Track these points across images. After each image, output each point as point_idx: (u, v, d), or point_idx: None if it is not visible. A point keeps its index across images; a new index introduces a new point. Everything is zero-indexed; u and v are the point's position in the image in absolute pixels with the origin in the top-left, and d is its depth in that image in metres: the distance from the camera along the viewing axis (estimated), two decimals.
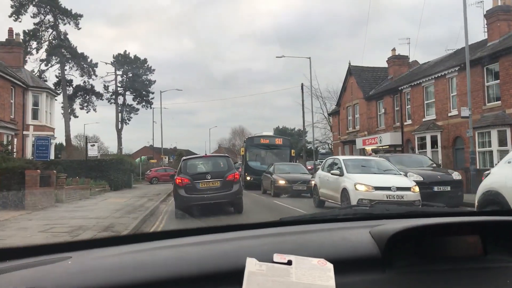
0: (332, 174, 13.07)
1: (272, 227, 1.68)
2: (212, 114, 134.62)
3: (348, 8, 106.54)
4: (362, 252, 1.32)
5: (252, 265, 1.11)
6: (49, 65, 50.92)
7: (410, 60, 35.01)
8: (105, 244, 1.49)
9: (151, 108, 53.68)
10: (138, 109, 53.21)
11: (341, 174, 12.53)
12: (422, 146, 26.57)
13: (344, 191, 11.85)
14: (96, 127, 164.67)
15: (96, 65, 52.08)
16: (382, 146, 30.75)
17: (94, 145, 30.93)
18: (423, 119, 26.92)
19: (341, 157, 14.41)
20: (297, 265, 1.14)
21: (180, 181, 13.01)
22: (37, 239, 8.57)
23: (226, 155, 16.36)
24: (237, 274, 1.11)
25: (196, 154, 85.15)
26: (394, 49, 34.65)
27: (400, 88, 29.17)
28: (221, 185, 12.95)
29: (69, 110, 51.54)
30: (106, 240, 1.57)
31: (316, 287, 1.10)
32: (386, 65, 36.33)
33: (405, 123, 28.96)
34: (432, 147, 25.50)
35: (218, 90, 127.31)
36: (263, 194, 21.26)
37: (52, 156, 32.13)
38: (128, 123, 53.04)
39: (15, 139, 26.43)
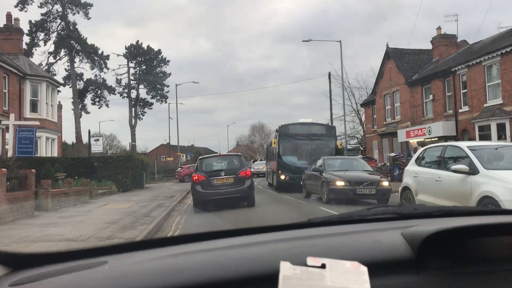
0: (454, 171, 8.20)
1: (301, 228, 1.66)
2: (229, 113, 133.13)
3: (363, 5, 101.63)
4: (395, 254, 1.31)
5: (286, 269, 1.10)
6: (58, 57, 47.65)
7: (458, 40, 30.53)
8: (139, 248, 1.47)
9: (166, 102, 50.02)
10: (152, 104, 49.59)
11: (473, 172, 7.85)
12: (485, 137, 22.24)
13: (487, 201, 7.20)
14: (113, 126, 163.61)
15: (107, 57, 48.65)
16: (431, 138, 26.44)
17: (98, 139, 27.23)
18: (485, 105, 22.58)
19: (463, 144, 9.18)
20: (331, 269, 1.12)
21: (197, 178, 14.11)
22: None
23: (239, 154, 17.39)
24: (272, 278, 1.10)
25: (214, 151, 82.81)
26: (439, 28, 30.27)
27: (453, 70, 24.83)
28: (234, 181, 14.03)
29: (79, 106, 48.27)
30: (140, 243, 1.55)
31: None
32: (428, 47, 32.08)
33: (460, 111, 24.63)
34: (499, 137, 21.14)
35: (235, 88, 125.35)
36: (305, 199, 16.62)
37: (55, 154, 28.70)
38: (141, 119, 49.51)
39: (7, 133, 22.85)
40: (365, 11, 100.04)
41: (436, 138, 26.56)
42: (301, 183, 18.18)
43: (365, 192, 13.55)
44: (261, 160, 73.96)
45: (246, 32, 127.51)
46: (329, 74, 42.95)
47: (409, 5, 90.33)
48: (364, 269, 1.12)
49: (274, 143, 21.83)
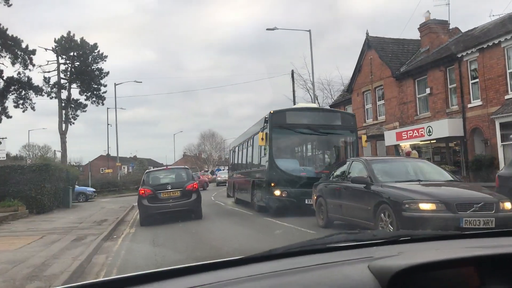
0: None
1: (265, 261, 1.60)
2: (175, 124, 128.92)
3: (307, 19, 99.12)
4: None
5: None
6: None
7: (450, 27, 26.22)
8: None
9: (103, 104, 42.80)
10: (86, 105, 42.21)
11: None
12: (507, 136, 17.74)
13: None
14: (49, 136, 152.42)
15: (33, 52, 41.07)
16: (430, 140, 21.75)
17: (0, 142, 20.44)
18: (506, 96, 18.05)
19: None
20: None
21: (143, 192, 13.95)
22: None
23: (186, 167, 17.07)
24: None
25: (159, 163, 76.13)
26: (428, 12, 25.82)
27: (459, 56, 20.23)
28: (181, 195, 13.95)
29: None
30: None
31: None
32: (410, 37, 27.74)
33: (468, 106, 20.01)
34: None
35: (181, 99, 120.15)
36: (323, 229, 10.27)
37: None
38: (73, 123, 41.95)
39: None
40: (309, 26, 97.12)
41: (434, 140, 21.99)
42: (307, 202, 12.51)
43: (477, 223, 7.10)
44: (213, 170, 68.92)
45: (191, 43, 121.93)
46: (292, 72, 38.24)
47: (348, 21, 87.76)
48: None
49: (262, 139, 14.00)
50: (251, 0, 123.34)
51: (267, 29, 30.37)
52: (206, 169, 72.88)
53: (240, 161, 20.15)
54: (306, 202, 12.76)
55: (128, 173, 55.76)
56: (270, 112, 14.61)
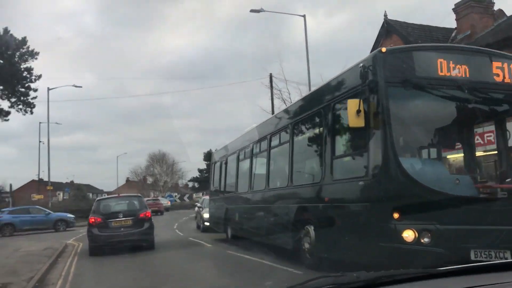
0: None
1: None
2: (115, 150, 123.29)
3: (252, 48, 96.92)
4: None
5: None
6: None
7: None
8: None
9: (31, 112, 34.20)
10: (9, 113, 33.15)
11: None
12: None
13: None
14: None
15: None
16: None
17: None
18: None
19: None
20: None
21: (93, 220, 13.61)
22: None
23: (139, 195, 17.37)
24: None
25: (99, 189, 68.72)
26: None
27: None
28: (133, 223, 13.54)
29: None
30: None
31: None
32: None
33: None
34: None
35: (123, 125, 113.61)
36: None
37: None
38: None
39: None
40: (254, 54, 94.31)
41: None
42: (475, 257, 5.69)
43: None
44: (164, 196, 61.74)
45: (135, 68, 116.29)
46: (271, 76, 32.27)
47: (290, 52, 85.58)
48: None
49: (358, 113, 6.11)
50: (196, 28, 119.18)
51: (251, 11, 23.85)
52: (156, 196, 64.51)
53: (248, 176, 12.37)
54: (473, 257, 5.82)
55: (64, 200, 46.79)
56: (381, 51, 6.55)
